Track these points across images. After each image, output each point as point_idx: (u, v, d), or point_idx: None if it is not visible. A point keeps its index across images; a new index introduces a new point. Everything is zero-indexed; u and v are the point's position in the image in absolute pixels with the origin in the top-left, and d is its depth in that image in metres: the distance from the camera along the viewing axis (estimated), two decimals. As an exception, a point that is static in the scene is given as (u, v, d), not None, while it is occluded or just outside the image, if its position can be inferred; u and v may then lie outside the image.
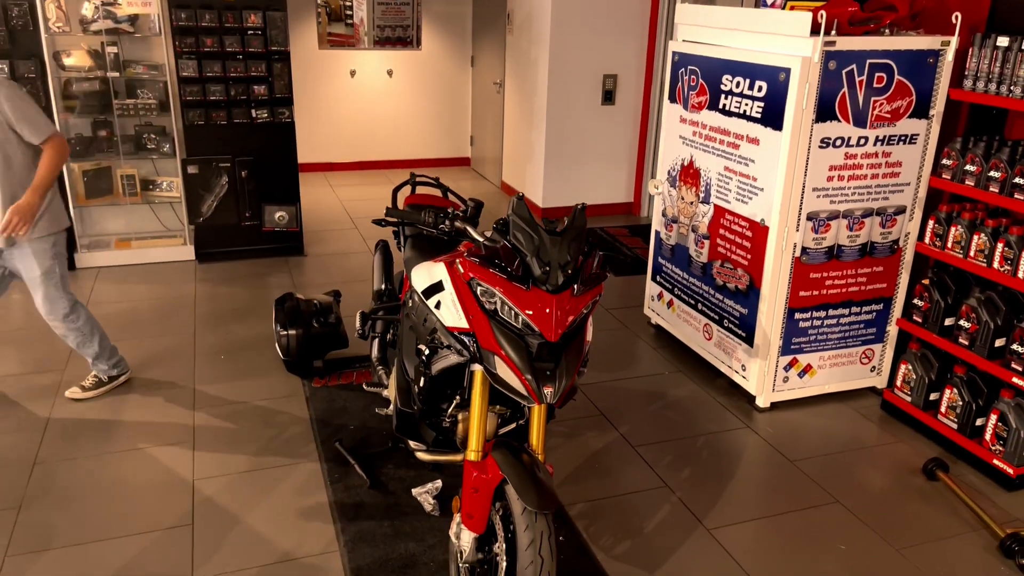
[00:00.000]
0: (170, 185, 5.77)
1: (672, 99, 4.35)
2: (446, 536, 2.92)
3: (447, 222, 2.55)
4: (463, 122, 8.99)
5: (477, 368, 2.35)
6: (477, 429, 2.38)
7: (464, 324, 2.33)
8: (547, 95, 6.75)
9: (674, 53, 4.27)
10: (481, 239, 2.42)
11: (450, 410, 2.67)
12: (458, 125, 8.97)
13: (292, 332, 3.95)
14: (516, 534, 2.21)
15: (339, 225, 6.77)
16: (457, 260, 2.38)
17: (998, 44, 3.21)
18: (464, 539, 2.38)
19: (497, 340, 2.23)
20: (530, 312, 2.19)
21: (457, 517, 2.45)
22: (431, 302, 2.47)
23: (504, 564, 2.31)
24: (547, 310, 2.19)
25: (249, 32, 5.39)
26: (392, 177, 8.50)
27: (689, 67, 4.14)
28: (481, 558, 2.41)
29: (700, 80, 4.06)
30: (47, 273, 3.57)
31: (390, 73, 8.43)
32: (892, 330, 4.00)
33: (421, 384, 2.62)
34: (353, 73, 8.31)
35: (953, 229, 3.46)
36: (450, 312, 2.38)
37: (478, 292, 2.28)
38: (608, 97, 6.92)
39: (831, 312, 3.86)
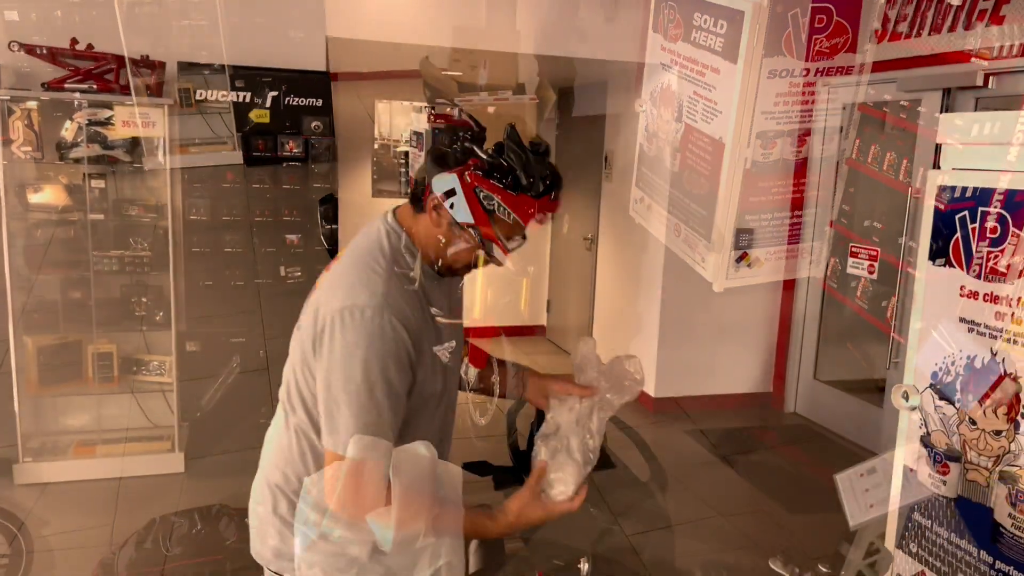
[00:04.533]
0: (160, 367, 4.61)
1: (655, 29, 5.04)
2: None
3: (459, 143, 3.38)
4: (539, 284, 8.05)
5: (479, 251, 3.22)
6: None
7: (471, 220, 3.19)
8: (663, 253, 5.60)
9: (657, -11, 4.95)
10: (484, 156, 3.25)
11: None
12: (532, 287, 7.99)
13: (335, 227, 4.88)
14: None
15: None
16: (466, 172, 3.22)
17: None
18: (471, 374, 3.34)
19: (494, 231, 3.09)
20: (518, 211, 3.04)
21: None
22: (447, 204, 3.33)
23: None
24: (530, 211, 3.04)
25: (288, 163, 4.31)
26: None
27: (669, 2, 4.83)
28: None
29: (677, 15, 4.75)
30: None
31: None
32: (828, 229, 4.83)
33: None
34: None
35: (872, 147, 4.24)
36: (460, 210, 3.24)
37: (480, 196, 3.13)
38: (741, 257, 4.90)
39: (776, 215, 4.68)
